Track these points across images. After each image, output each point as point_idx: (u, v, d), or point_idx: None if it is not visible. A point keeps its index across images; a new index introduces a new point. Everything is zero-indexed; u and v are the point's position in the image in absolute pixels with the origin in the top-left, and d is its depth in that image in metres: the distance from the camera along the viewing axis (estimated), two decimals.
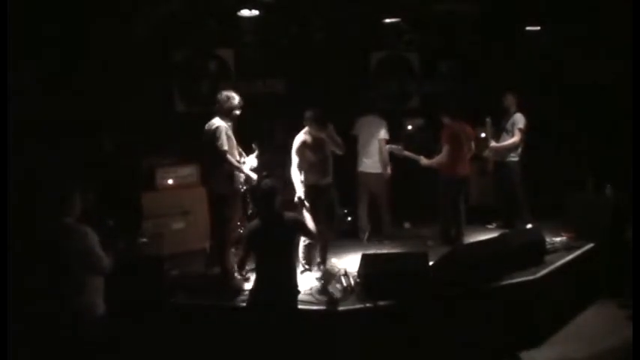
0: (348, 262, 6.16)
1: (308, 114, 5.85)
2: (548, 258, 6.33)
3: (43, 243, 4.22)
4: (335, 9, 7.80)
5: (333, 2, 7.79)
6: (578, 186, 7.62)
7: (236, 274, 5.55)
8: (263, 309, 4.60)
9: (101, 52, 6.60)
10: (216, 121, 5.59)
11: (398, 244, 7.08)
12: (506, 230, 7.06)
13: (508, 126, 7.50)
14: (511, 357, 5.52)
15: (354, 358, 5.13)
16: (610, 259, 6.74)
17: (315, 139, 5.87)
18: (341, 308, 5.19)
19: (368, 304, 5.17)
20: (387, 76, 8.91)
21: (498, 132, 7.57)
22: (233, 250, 5.74)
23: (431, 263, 5.59)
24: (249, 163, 5.84)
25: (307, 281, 5.70)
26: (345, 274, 5.59)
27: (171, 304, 5.40)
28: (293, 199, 5.72)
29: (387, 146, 7.16)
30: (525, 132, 7.42)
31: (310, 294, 5.42)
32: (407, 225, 8.02)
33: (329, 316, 5.16)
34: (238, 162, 5.67)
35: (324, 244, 6.09)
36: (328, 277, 5.60)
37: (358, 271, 5.59)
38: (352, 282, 5.51)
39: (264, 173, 5.67)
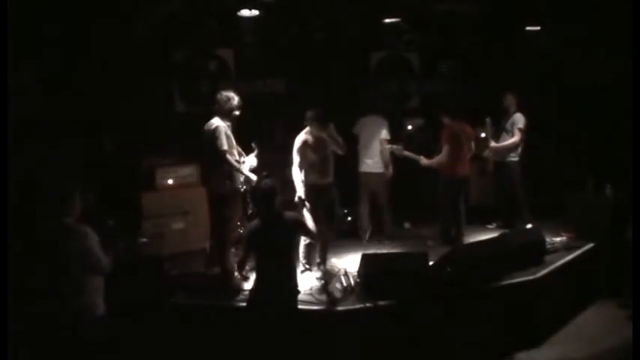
0: (348, 262, 6.17)
1: (309, 114, 5.86)
2: (548, 258, 6.33)
3: (43, 243, 4.22)
4: (335, 9, 7.80)
5: (333, 2, 7.80)
6: (578, 186, 7.62)
7: (236, 274, 5.55)
8: (263, 309, 4.60)
9: (101, 52, 6.60)
10: (216, 121, 5.60)
11: (398, 244, 7.08)
12: (506, 230, 7.06)
13: (508, 126, 7.51)
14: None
15: (354, 358, 5.13)
16: (610, 259, 6.74)
17: (316, 138, 5.88)
18: (341, 308, 5.19)
19: (368, 304, 5.17)
20: (387, 76, 8.91)
21: (498, 132, 7.57)
22: (233, 250, 5.74)
23: (431, 263, 5.59)
24: (248, 162, 5.85)
25: (307, 281, 5.70)
26: (345, 274, 5.59)
27: (171, 304, 5.40)
28: (293, 199, 5.72)
29: (387, 146, 7.16)
30: (525, 132, 7.42)
31: (310, 294, 5.42)
32: (407, 225, 8.02)
33: (329, 316, 5.16)
34: (238, 162, 5.68)
35: (324, 244, 6.08)
36: (328, 277, 5.60)
37: (358, 271, 5.59)
38: (352, 282, 5.51)
39: (264, 173, 5.67)
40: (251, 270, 5.18)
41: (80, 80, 6.48)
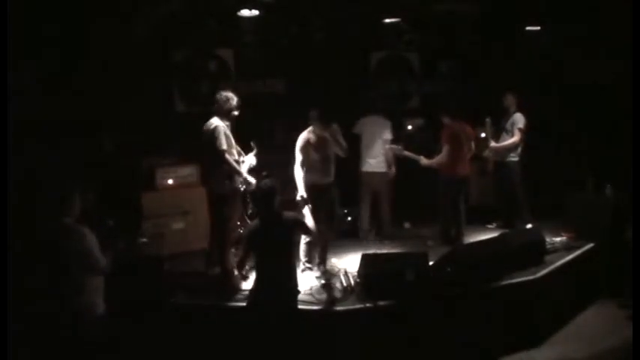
0: (348, 262, 6.17)
1: (313, 113, 5.87)
2: (548, 258, 6.33)
3: (43, 243, 4.22)
4: (335, 9, 7.80)
5: (333, 2, 7.80)
6: (578, 186, 7.61)
7: (236, 274, 5.55)
8: (263, 309, 4.60)
9: (101, 52, 6.60)
10: (215, 121, 5.61)
11: (398, 244, 7.08)
12: (506, 230, 7.05)
13: (508, 126, 7.50)
14: None
15: (354, 358, 5.13)
16: (610, 259, 6.74)
17: (318, 138, 5.89)
18: (341, 308, 5.18)
19: (368, 304, 5.17)
20: (387, 76, 8.90)
21: (498, 132, 7.57)
22: (233, 250, 5.74)
23: (431, 263, 5.59)
24: (248, 161, 5.85)
25: (307, 281, 5.70)
26: (345, 274, 5.60)
27: (171, 304, 5.39)
28: (293, 199, 5.72)
29: (388, 146, 7.16)
30: (525, 132, 7.41)
31: (310, 294, 5.42)
32: (407, 225, 8.01)
33: (329, 316, 5.16)
34: (237, 161, 5.68)
35: (324, 244, 6.09)
36: (328, 277, 5.60)
37: (358, 271, 5.59)
38: (352, 282, 5.51)
39: (264, 173, 5.67)
40: (251, 270, 5.19)
41: (80, 80, 6.48)
